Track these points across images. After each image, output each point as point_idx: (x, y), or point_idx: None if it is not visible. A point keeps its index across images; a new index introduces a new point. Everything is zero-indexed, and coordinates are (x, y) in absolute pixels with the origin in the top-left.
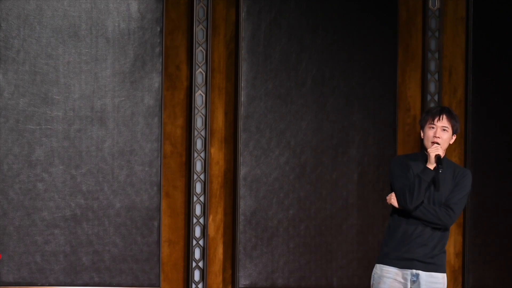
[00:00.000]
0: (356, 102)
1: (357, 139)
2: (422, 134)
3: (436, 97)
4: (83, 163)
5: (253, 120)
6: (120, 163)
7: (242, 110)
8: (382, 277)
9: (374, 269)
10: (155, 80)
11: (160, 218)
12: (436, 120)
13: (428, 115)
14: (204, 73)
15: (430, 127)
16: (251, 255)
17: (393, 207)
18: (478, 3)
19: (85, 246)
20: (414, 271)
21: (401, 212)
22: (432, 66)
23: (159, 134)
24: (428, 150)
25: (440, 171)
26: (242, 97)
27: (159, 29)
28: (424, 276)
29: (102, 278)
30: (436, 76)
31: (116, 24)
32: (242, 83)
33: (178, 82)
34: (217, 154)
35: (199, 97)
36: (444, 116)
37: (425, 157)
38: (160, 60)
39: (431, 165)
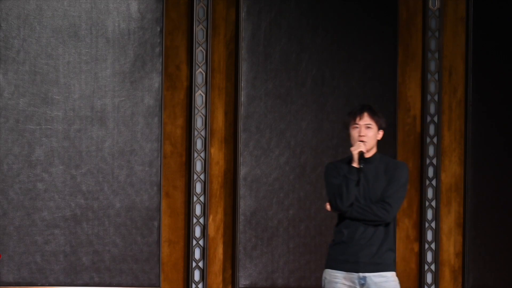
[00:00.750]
0: (356, 102)
1: None
2: (349, 136)
3: (436, 97)
4: (83, 163)
5: (253, 120)
6: (120, 163)
7: (242, 110)
8: (331, 282)
9: (324, 274)
10: (155, 80)
11: (160, 218)
12: (358, 119)
13: (350, 115)
14: (204, 73)
15: (354, 127)
16: (251, 255)
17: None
18: (478, 3)
19: (85, 246)
20: (361, 274)
21: (343, 215)
22: (432, 66)
23: (159, 134)
24: (351, 149)
25: (361, 166)
26: (242, 97)
27: (159, 29)
28: (372, 277)
29: (102, 278)
30: (436, 76)
31: (116, 24)
32: (242, 83)
33: (178, 82)
34: (217, 154)
35: (199, 97)
36: (365, 114)
37: (351, 159)
38: (160, 60)
39: (356, 163)
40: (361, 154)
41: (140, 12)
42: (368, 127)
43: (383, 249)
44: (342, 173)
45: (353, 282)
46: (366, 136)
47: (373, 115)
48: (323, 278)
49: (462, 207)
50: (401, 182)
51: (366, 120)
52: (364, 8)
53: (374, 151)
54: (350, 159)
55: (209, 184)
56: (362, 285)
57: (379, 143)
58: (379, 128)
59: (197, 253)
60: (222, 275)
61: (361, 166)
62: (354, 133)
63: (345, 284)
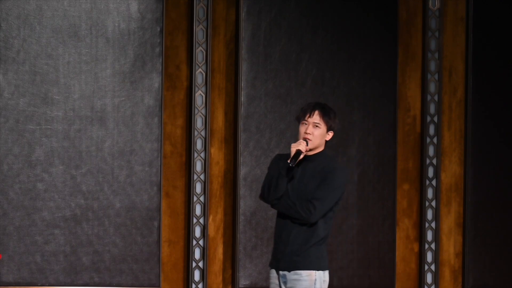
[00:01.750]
0: (356, 102)
1: (357, 139)
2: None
3: (436, 97)
4: (83, 163)
5: (253, 120)
6: (120, 163)
7: (242, 110)
8: (270, 282)
9: None
10: (155, 80)
11: (160, 218)
12: (307, 116)
13: (302, 111)
14: (204, 73)
15: (302, 124)
16: (251, 255)
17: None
18: (478, 3)
19: (85, 246)
20: (281, 272)
21: (277, 213)
22: (432, 66)
23: (159, 134)
24: (292, 144)
25: (291, 165)
26: (242, 97)
27: (159, 29)
28: (288, 275)
29: (102, 278)
30: (436, 76)
31: (116, 24)
32: (242, 83)
33: (178, 82)
34: (217, 154)
35: (199, 97)
36: (316, 112)
37: None
38: (160, 60)
39: (290, 159)
40: (298, 152)
41: (140, 12)
42: (316, 126)
43: (305, 247)
44: (279, 166)
45: (279, 280)
46: (312, 134)
47: (323, 115)
48: None
49: (462, 207)
50: (333, 185)
51: (315, 118)
52: (364, 8)
53: (319, 150)
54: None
55: (209, 184)
56: (284, 283)
57: (379, 143)
58: (329, 129)
59: (197, 253)
60: (222, 275)
61: (291, 164)
62: (301, 129)
63: (275, 283)
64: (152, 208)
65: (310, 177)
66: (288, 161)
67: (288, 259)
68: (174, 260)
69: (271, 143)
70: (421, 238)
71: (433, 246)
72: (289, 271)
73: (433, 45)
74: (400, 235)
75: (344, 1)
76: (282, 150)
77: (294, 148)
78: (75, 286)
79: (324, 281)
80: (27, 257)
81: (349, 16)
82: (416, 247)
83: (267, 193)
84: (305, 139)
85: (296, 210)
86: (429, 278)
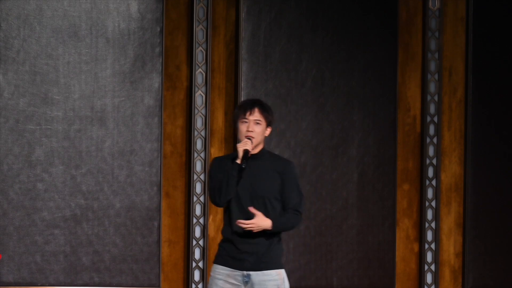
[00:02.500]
0: (356, 102)
1: (357, 139)
2: (236, 130)
3: (436, 97)
4: (83, 163)
5: None
6: (120, 163)
7: None
8: (213, 279)
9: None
10: (155, 80)
11: (160, 218)
12: (248, 114)
13: (240, 109)
14: (204, 73)
15: (243, 122)
16: None
17: (226, 208)
18: (478, 3)
19: (85, 246)
20: (245, 272)
21: (231, 211)
22: (432, 66)
23: (159, 134)
24: (237, 145)
25: (243, 166)
26: (242, 97)
27: (159, 29)
28: (255, 275)
29: (102, 278)
30: (436, 76)
31: (116, 24)
32: (242, 83)
33: (178, 82)
34: (217, 154)
35: (199, 97)
36: (256, 109)
37: (236, 154)
38: (160, 60)
39: (240, 160)
40: (246, 152)
41: (140, 12)
42: (257, 123)
43: (271, 248)
44: (226, 168)
45: (237, 280)
46: (255, 131)
47: (263, 111)
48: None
49: (462, 207)
50: (296, 181)
51: (256, 115)
52: (364, 8)
53: (261, 147)
54: (235, 155)
55: None
56: (246, 283)
57: (379, 143)
58: (268, 124)
59: (197, 253)
60: None
61: (243, 166)
62: (243, 127)
63: (227, 282)
64: (152, 208)
65: (261, 175)
66: (239, 162)
67: (256, 259)
68: (174, 260)
69: (271, 143)
70: (421, 238)
71: (433, 246)
72: (257, 271)
73: (433, 45)
74: (400, 235)
75: (344, 1)
76: (282, 150)
77: (241, 148)
78: (75, 286)
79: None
80: (27, 257)
81: (349, 16)
82: (416, 247)
83: (218, 197)
84: (248, 137)
85: (293, 225)
86: (429, 278)
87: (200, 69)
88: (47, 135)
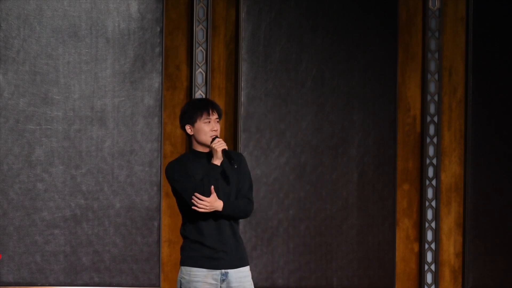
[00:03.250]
0: (356, 102)
1: (357, 139)
2: (190, 131)
3: (436, 97)
4: (83, 163)
5: (253, 120)
6: (120, 163)
7: (242, 110)
8: (191, 282)
9: (180, 273)
10: (155, 80)
11: (160, 218)
12: (210, 113)
13: (199, 109)
14: (204, 73)
15: (205, 122)
16: (251, 255)
17: (184, 211)
18: (478, 3)
19: (85, 246)
20: (223, 270)
21: (194, 212)
22: (432, 66)
23: (159, 134)
24: (213, 145)
25: (236, 166)
26: (242, 97)
27: (159, 29)
28: (233, 273)
29: (102, 278)
30: (436, 76)
31: (116, 24)
32: (242, 83)
33: (178, 82)
34: None
35: (199, 97)
36: (215, 109)
37: (197, 155)
38: (160, 60)
39: (218, 161)
40: (226, 151)
41: (140, 12)
42: (217, 122)
43: (239, 243)
44: (194, 171)
45: (215, 279)
46: (217, 130)
47: (218, 109)
48: (179, 277)
49: (462, 207)
50: (248, 173)
51: (215, 114)
52: (364, 8)
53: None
54: (188, 157)
55: None
56: (222, 281)
57: (379, 143)
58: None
59: None
60: None
61: (235, 166)
62: (206, 127)
63: (206, 282)
64: (152, 208)
65: (228, 173)
66: (217, 164)
67: (231, 257)
68: (174, 260)
69: (271, 143)
70: (421, 238)
71: (433, 246)
72: (234, 268)
73: (433, 45)
74: (400, 235)
75: (344, 1)
76: (282, 150)
77: (220, 148)
78: (75, 286)
79: None
80: (27, 257)
81: (349, 16)
82: (416, 247)
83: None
84: (215, 136)
85: (243, 210)
86: (429, 278)
87: (200, 69)
88: (47, 135)
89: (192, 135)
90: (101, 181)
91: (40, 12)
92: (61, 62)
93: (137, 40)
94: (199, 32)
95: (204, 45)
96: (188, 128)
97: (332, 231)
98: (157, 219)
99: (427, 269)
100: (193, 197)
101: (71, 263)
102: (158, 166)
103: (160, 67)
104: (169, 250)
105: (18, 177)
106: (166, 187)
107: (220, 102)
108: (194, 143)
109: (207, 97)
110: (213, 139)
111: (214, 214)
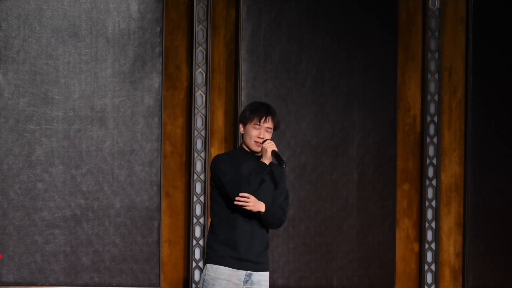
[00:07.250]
0: (356, 102)
1: (357, 139)
2: (241, 129)
3: (436, 97)
4: (83, 163)
5: None
6: (120, 163)
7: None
8: (216, 279)
9: (205, 271)
10: (155, 80)
11: (160, 218)
12: (262, 121)
13: (254, 114)
14: (204, 73)
15: (255, 127)
16: None
17: (219, 207)
18: (478, 3)
19: (85, 246)
20: (248, 272)
21: (232, 210)
22: (432, 66)
23: (159, 134)
24: (264, 145)
25: (284, 166)
26: (242, 97)
27: (159, 29)
28: (257, 275)
29: (102, 278)
30: (436, 76)
31: (116, 24)
32: (242, 83)
33: (178, 82)
34: (217, 154)
35: (199, 97)
36: (270, 118)
37: (244, 153)
38: (160, 60)
39: (267, 160)
40: (275, 153)
41: (140, 12)
42: (268, 131)
43: (266, 251)
44: (242, 165)
45: (240, 280)
46: (263, 139)
47: (275, 119)
48: (203, 274)
49: (462, 207)
50: (285, 185)
51: (269, 124)
52: (364, 8)
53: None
54: (236, 153)
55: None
56: (245, 282)
57: (379, 143)
58: (275, 130)
59: (197, 253)
60: None
61: (284, 166)
62: (254, 132)
63: (231, 282)
64: (152, 208)
65: (279, 181)
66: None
67: (256, 260)
68: (174, 260)
69: None
70: (421, 238)
71: (433, 246)
72: (257, 271)
73: (433, 45)
74: (400, 235)
75: (344, 1)
76: (282, 150)
77: (269, 149)
78: (75, 286)
79: None
80: (27, 257)
81: (349, 16)
82: (416, 247)
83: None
84: (257, 143)
85: (277, 218)
86: (429, 278)
87: (200, 69)
88: (47, 135)
89: (242, 134)
90: (101, 181)
91: (40, 12)
92: (61, 62)
93: (137, 40)
94: (199, 32)
95: (204, 45)
96: (240, 127)
97: (332, 231)
98: (157, 219)
99: (427, 269)
100: (241, 194)
101: (71, 263)
102: (158, 166)
103: (160, 67)
104: (169, 250)
105: (18, 177)
106: (166, 187)
107: (220, 102)
108: (244, 141)
109: (207, 97)
110: (264, 141)
111: (250, 217)
